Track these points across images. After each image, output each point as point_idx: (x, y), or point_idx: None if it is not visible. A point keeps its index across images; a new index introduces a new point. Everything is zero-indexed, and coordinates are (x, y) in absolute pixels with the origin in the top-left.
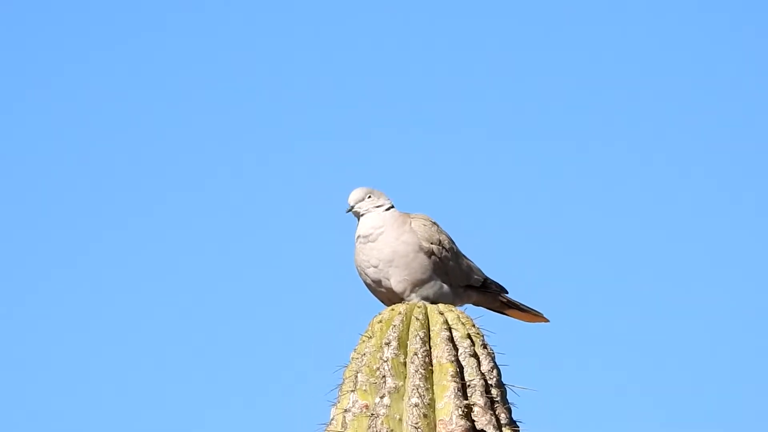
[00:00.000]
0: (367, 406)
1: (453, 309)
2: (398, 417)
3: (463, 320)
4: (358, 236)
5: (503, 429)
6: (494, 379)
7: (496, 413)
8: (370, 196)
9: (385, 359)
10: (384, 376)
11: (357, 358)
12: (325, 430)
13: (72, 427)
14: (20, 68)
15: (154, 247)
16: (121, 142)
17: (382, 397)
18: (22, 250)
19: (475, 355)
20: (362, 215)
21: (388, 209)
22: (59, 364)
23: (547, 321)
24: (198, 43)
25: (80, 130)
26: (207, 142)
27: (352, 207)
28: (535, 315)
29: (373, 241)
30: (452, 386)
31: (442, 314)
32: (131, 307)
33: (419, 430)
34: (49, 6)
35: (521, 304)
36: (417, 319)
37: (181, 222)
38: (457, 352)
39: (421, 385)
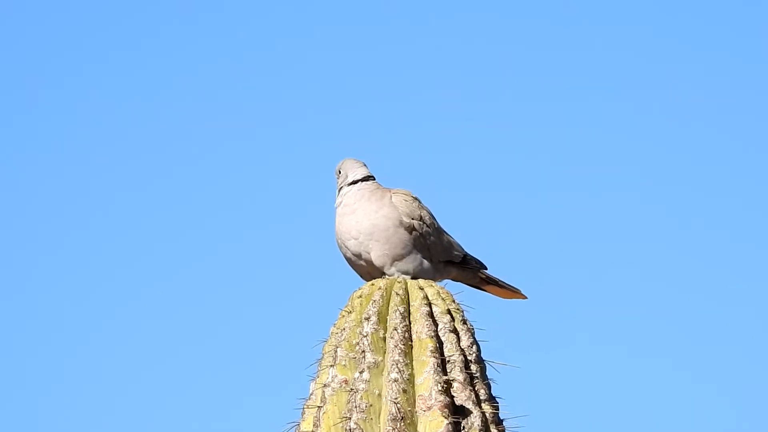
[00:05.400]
0: (346, 381)
1: (433, 284)
2: (377, 392)
3: (443, 296)
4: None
5: (482, 405)
6: (474, 354)
7: (476, 389)
8: (341, 172)
9: (365, 334)
10: (363, 351)
11: (336, 333)
12: (305, 404)
13: (79, 428)
14: (22, 70)
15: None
16: (123, 144)
17: (361, 372)
18: (26, 251)
19: (454, 331)
20: (339, 190)
21: (365, 179)
22: (62, 364)
23: (525, 298)
24: (203, 45)
25: (82, 131)
26: (204, 140)
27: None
28: (513, 291)
29: (351, 214)
30: (432, 361)
31: (422, 289)
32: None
33: (398, 405)
34: (48, 7)
35: (500, 280)
36: (397, 294)
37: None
38: (436, 328)
39: (401, 361)
